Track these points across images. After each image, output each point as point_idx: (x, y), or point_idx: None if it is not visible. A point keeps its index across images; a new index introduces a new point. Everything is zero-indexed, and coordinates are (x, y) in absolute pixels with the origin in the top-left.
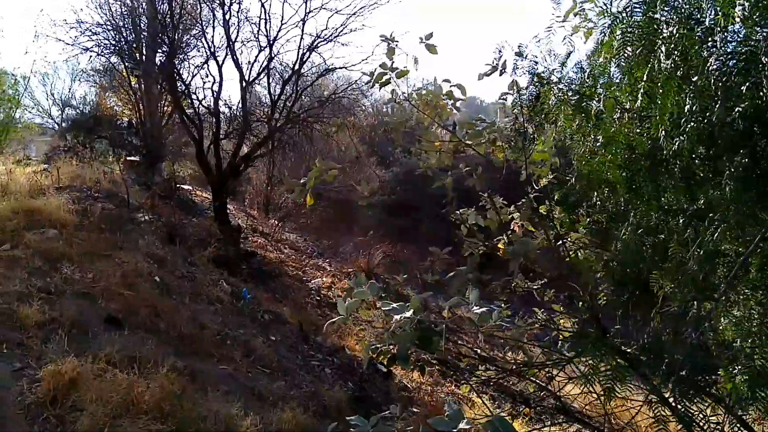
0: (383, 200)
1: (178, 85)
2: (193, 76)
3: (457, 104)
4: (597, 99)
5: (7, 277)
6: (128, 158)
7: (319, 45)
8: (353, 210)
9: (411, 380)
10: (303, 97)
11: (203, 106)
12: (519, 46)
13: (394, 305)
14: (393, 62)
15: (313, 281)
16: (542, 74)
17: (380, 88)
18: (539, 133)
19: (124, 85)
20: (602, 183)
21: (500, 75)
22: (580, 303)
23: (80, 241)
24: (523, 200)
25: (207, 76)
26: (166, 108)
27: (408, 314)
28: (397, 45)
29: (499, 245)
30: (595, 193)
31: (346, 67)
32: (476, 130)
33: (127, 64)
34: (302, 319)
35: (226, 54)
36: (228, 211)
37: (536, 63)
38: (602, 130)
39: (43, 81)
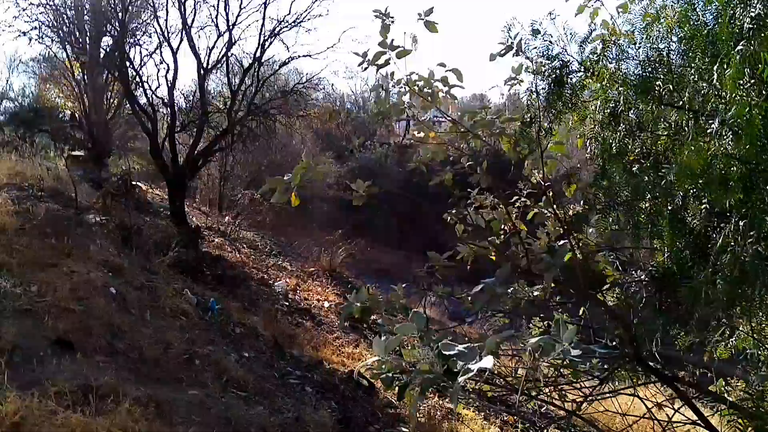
0: (337, 195)
1: (129, 72)
2: (144, 64)
3: (453, 92)
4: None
5: None
6: (72, 153)
7: (281, 31)
8: (307, 206)
9: (395, 394)
10: (264, 87)
11: (156, 96)
12: (532, 24)
13: (461, 348)
14: (393, 40)
15: (276, 284)
16: (561, 56)
17: (377, 71)
18: (557, 123)
19: (66, 75)
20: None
21: (515, 55)
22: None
23: (21, 248)
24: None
25: (161, 63)
26: (112, 100)
27: (486, 363)
28: (392, 22)
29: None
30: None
31: (310, 56)
32: (486, 119)
33: (69, 51)
34: (276, 331)
35: (182, 39)
36: None
37: (551, 43)
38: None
39: None
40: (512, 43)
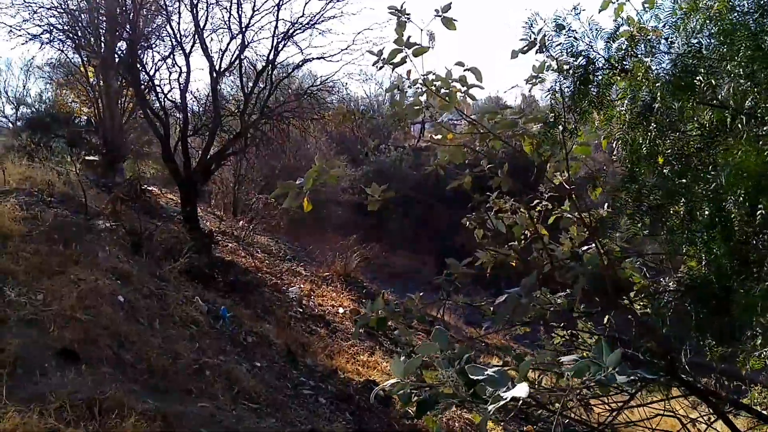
0: (352, 199)
1: (142, 76)
2: (158, 68)
3: (472, 92)
4: None
5: None
6: (86, 158)
7: (295, 33)
8: (321, 209)
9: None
10: (278, 90)
11: (169, 99)
12: (556, 20)
13: (490, 372)
14: (410, 37)
15: (290, 290)
16: (587, 52)
17: (393, 69)
18: (582, 124)
19: (81, 80)
20: None
21: (538, 52)
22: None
23: (28, 255)
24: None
25: (173, 66)
26: (127, 104)
27: (520, 392)
28: (408, 19)
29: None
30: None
31: (324, 58)
32: (507, 119)
33: (83, 54)
34: (289, 339)
35: (194, 42)
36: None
37: (575, 39)
38: None
39: None
40: (535, 39)
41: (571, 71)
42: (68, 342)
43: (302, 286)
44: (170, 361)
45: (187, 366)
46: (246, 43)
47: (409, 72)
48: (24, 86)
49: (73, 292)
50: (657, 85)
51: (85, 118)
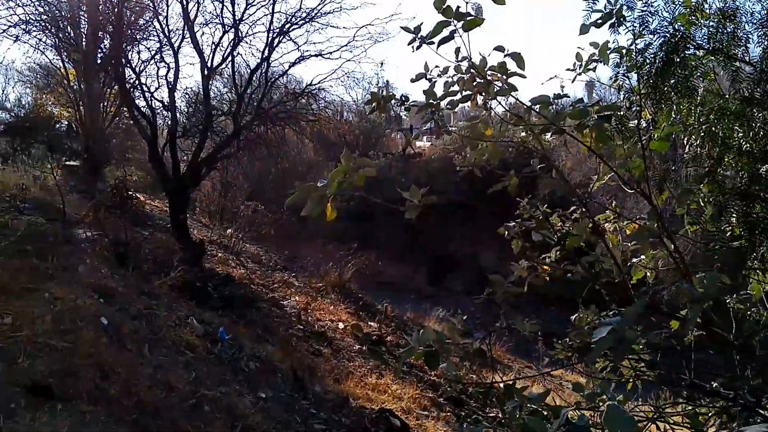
0: (340, 207)
1: (127, 73)
2: (145, 66)
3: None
4: None
5: None
6: (66, 163)
7: (291, 28)
8: (308, 217)
9: None
10: (272, 91)
11: (156, 98)
12: None
13: None
14: (459, 7)
15: (285, 302)
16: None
17: (438, 47)
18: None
19: (63, 83)
20: None
21: (613, 27)
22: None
23: None
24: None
25: (161, 62)
26: (110, 107)
27: None
28: None
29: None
30: None
31: (321, 55)
32: (580, 108)
33: (64, 56)
34: (294, 363)
35: (183, 37)
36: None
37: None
38: None
39: None
40: (612, 9)
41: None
42: (41, 375)
43: (298, 298)
44: (163, 394)
45: (182, 400)
46: (240, 37)
47: (458, 50)
48: (2, 90)
49: (47, 313)
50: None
51: (66, 122)
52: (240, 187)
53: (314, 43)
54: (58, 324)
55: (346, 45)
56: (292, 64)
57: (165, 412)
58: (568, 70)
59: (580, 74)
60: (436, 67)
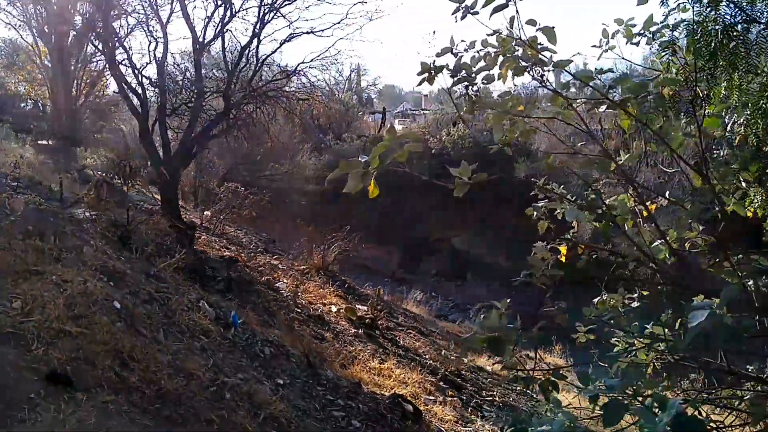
0: (316, 189)
1: (116, 48)
2: (129, 33)
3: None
4: None
5: None
6: (38, 142)
7: (283, 4)
8: (286, 199)
9: (440, 420)
10: (263, 69)
11: (142, 75)
12: None
13: None
14: None
15: (279, 284)
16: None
17: (491, 15)
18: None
19: (32, 61)
20: None
21: None
22: None
23: None
24: None
25: (150, 35)
26: (82, 88)
27: None
28: None
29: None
30: None
31: (313, 32)
32: (638, 82)
33: (35, 33)
34: (306, 348)
35: (172, 11)
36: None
37: None
38: None
39: None
40: None
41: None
42: (57, 363)
43: (285, 281)
44: (183, 382)
45: (203, 388)
46: (233, 13)
47: (512, 20)
48: None
49: (58, 297)
50: None
51: (32, 101)
52: (215, 168)
53: (306, 20)
54: (70, 308)
55: (338, 23)
56: (284, 41)
57: (187, 401)
58: (593, 47)
59: (606, 51)
60: (462, 41)
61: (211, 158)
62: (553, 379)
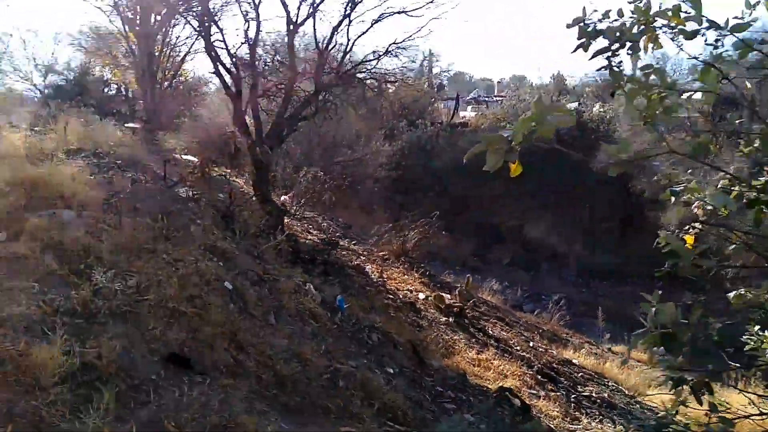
0: (388, 175)
1: (212, 29)
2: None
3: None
4: None
5: (7, 291)
6: (127, 125)
7: None
8: (358, 185)
9: (547, 416)
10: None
11: (236, 56)
12: None
13: None
14: None
15: (366, 269)
16: None
17: None
18: None
19: (117, 47)
20: None
21: None
22: None
23: (109, 227)
24: None
25: (246, 14)
26: (167, 72)
27: None
28: None
29: None
30: None
31: (405, 12)
32: None
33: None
34: (411, 336)
35: None
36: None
37: None
38: None
39: (24, 44)
40: None
41: None
42: (176, 344)
43: (371, 267)
44: (298, 368)
45: (317, 375)
46: None
47: None
48: (53, 54)
49: (172, 276)
50: None
51: (116, 86)
52: (291, 153)
53: None
54: (184, 288)
55: (431, 1)
56: (375, 21)
57: (302, 387)
58: (735, 18)
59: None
60: (595, 11)
61: (288, 144)
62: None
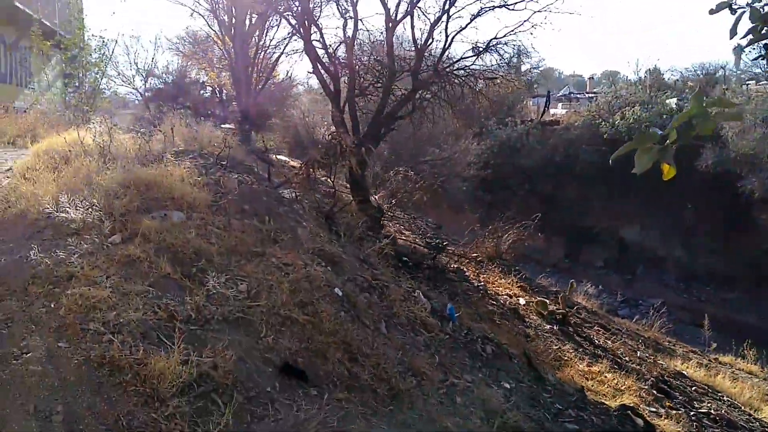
0: (478, 174)
1: (311, 28)
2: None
3: None
4: None
5: (124, 295)
6: (222, 126)
7: None
8: (446, 185)
9: None
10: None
11: (334, 55)
12: None
13: None
14: None
15: (466, 274)
16: None
17: None
18: None
19: (212, 50)
20: None
21: None
22: None
23: (218, 230)
24: None
25: (345, 13)
26: (261, 74)
27: None
28: None
29: None
30: None
31: (506, 6)
32: None
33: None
34: (526, 348)
35: None
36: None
37: None
38: None
39: (126, 50)
40: None
41: None
42: (289, 354)
43: (466, 268)
44: (414, 382)
45: (434, 389)
46: None
47: None
48: (152, 58)
49: (282, 281)
50: None
51: (210, 88)
52: (379, 152)
53: None
54: (295, 294)
55: None
56: (475, 16)
57: (419, 404)
58: None
59: None
60: None
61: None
62: None
